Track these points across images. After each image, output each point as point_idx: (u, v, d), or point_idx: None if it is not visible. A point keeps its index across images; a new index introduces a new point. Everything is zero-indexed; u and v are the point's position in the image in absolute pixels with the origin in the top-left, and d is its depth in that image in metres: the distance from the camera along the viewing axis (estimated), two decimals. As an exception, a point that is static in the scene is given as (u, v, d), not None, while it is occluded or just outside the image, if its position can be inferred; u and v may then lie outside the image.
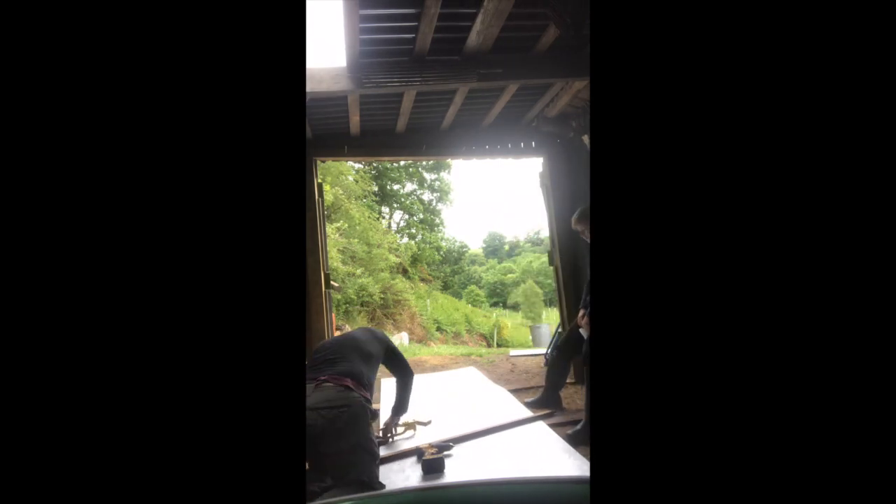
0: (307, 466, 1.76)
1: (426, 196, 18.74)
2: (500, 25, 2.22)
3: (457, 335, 11.74)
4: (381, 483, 1.76)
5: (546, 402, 2.92)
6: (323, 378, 1.89)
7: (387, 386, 2.90)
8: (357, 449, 1.73)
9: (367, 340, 2.21)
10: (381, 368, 2.37)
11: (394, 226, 17.23)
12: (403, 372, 2.40)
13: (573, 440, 2.61)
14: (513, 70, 2.59)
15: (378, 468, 1.80)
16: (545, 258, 4.26)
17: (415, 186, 18.31)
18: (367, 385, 1.96)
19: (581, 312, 2.66)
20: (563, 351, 2.97)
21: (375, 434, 2.09)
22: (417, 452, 2.11)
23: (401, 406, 2.39)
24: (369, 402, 1.90)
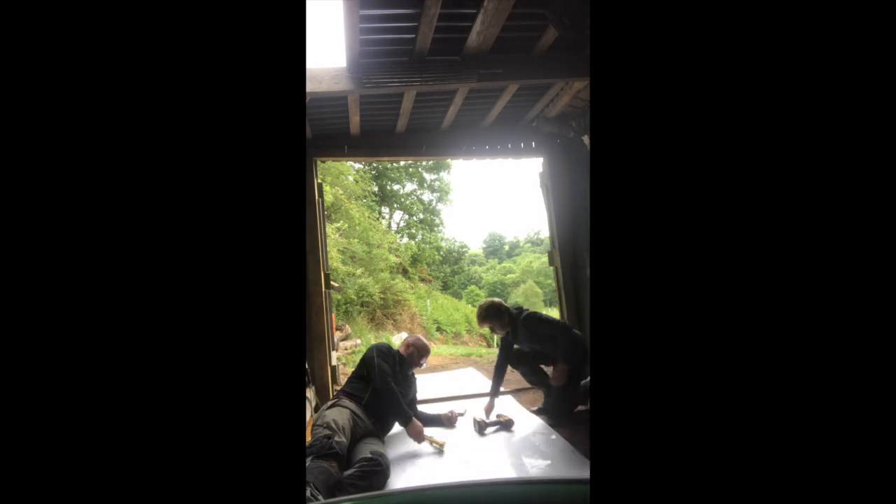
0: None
1: (426, 196, 18.72)
2: (500, 25, 2.22)
3: (457, 335, 11.71)
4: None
5: (556, 412, 2.66)
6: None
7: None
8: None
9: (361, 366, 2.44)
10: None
11: (394, 226, 17.20)
12: (374, 388, 2.37)
13: (549, 417, 2.60)
14: (513, 70, 2.59)
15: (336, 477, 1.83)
16: (545, 258, 4.25)
17: (415, 186, 18.28)
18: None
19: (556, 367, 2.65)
20: (509, 358, 2.88)
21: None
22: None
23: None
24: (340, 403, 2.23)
